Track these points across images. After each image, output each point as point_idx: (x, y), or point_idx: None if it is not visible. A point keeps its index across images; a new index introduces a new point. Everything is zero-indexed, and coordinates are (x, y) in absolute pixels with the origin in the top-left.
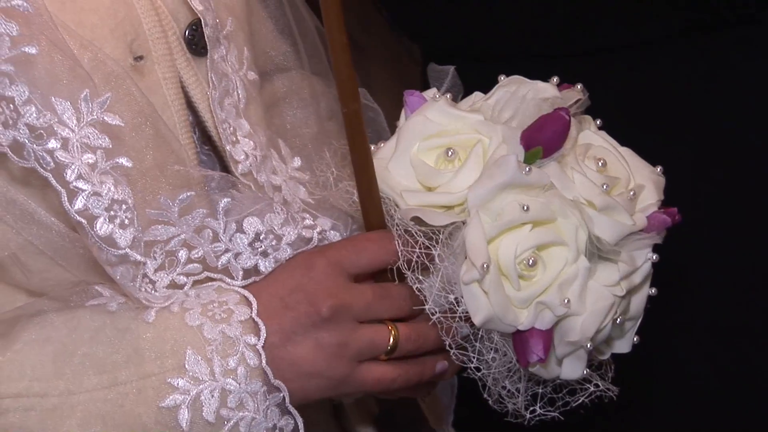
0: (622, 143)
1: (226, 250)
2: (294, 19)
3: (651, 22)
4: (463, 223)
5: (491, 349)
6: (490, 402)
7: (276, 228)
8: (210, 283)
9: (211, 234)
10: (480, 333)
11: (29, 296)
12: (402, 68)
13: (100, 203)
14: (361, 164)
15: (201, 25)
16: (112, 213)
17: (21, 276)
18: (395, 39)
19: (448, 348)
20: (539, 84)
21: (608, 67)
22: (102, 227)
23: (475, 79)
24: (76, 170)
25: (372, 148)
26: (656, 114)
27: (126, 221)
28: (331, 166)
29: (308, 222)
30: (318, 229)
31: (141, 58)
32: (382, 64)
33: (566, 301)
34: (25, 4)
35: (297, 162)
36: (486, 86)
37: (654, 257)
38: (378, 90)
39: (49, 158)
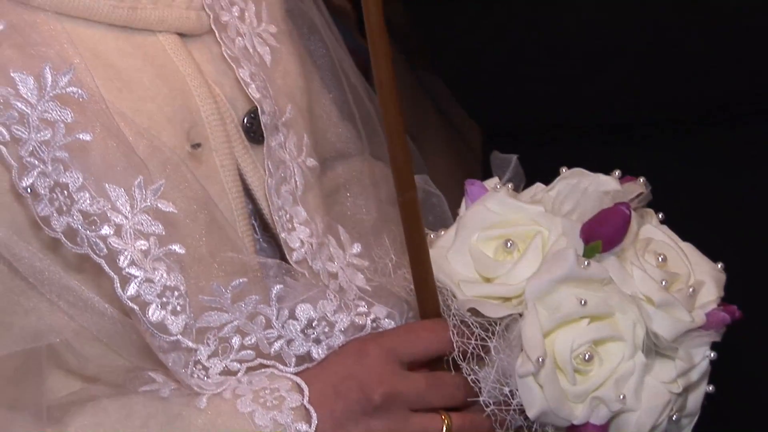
0: (684, 238)
1: (279, 337)
2: (355, 105)
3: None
4: (520, 315)
5: None
6: None
7: (329, 315)
8: (263, 370)
9: (264, 321)
10: (534, 426)
11: (83, 381)
12: (461, 155)
13: (153, 290)
14: (417, 253)
15: (259, 112)
16: (164, 299)
17: (74, 361)
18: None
19: None
20: (601, 177)
21: (672, 159)
22: (154, 314)
23: (535, 161)
24: (128, 257)
25: (432, 235)
26: (720, 209)
27: (178, 308)
28: (390, 252)
29: (362, 309)
30: (372, 317)
31: (198, 145)
32: (441, 152)
33: (622, 396)
34: (80, 91)
35: (356, 248)
36: (544, 169)
37: (712, 355)
38: (440, 177)
39: (102, 244)
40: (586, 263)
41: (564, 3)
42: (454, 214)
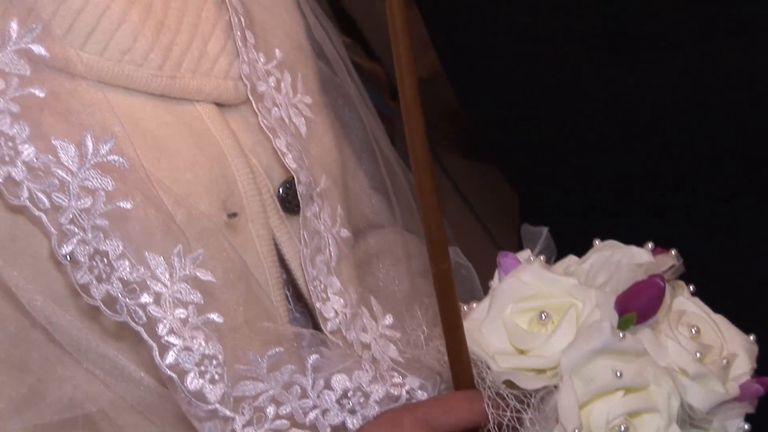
0: (716, 310)
1: (314, 407)
2: (388, 176)
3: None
4: (555, 387)
5: None
6: None
7: (364, 385)
8: None
9: (299, 390)
10: None
11: None
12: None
13: (191, 358)
14: (451, 325)
15: (295, 183)
16: (202, 368)
17: (110, 431)
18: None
19: None
20: (634, 249)
21: (703, 231)
22: (192, 382)
23: (569, 235)
24: (167, 325)
25: (464, 308)
26: (750, 281)
27: (216, 376)
28: (422, 324)
29: (397, 380)
30: (407, 387)
31: (235, 215)
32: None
33: None
34: (120, 159)
35: (388, 320)
36: (579, 244)
37: (746, 426)
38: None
39: (141, 312)
40: (621, 335)
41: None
42: (484, 287)
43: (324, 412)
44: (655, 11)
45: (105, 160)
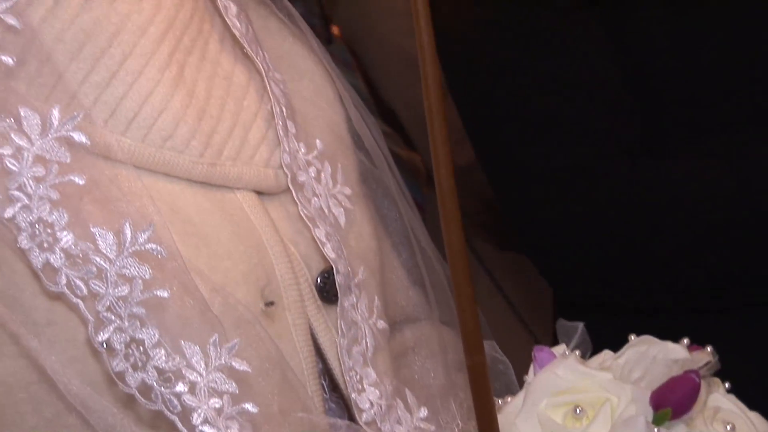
0: (752, 407)
1: None
2: (426, 269)
3: None
4: None
5: None
6: None
7: None
8: None
9: None
10: None
11: None
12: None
13: None
14: (485, 418)
15: (333, 272)
16: None
17: None
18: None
19: None
20: (669, 345)
21: (742, 327)
22: None
23: (604, 330)
24: (202, 414)
25: (499, 402)
26: None
27: None
28: (456, 418)
29: None
30: None
31: (272, 303)
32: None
33: None
34: (158, 248)
35: (423, 412)
36: (614, 338)
37: None
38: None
39: (176, 401)
40: (656, 430)
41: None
42: (519, 380)
43: None
44: (692, 109)
45: (143, 248)
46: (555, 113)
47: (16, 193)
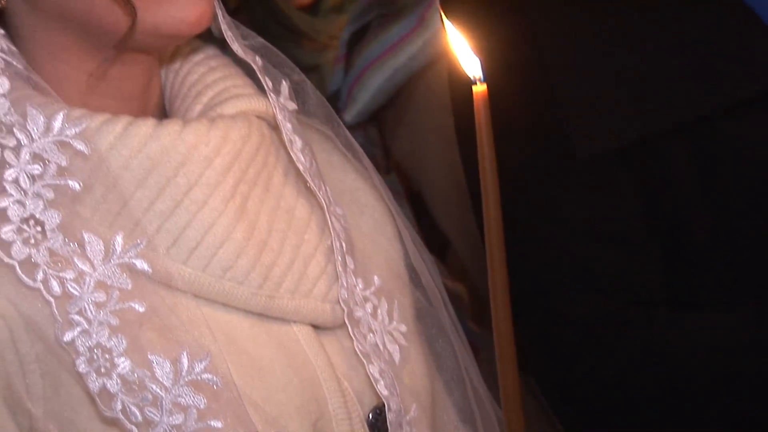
0: None
1: None
2: (478, 410)
3: None
4: None
5: None
6: None
7: None
8: None
9: None
10: None
11: None
12: None
13: None
14: None
15: (385, 409)
16: None
17: None
18: None
19: None
20: None
21: None
22: None
23: None
24: None
25: None
26: None
27: None
28: None
29: None
30: None
31: None
32: None
33: None
34: (214, 378)
35: None
36: None
37: None
38: None
39: None
40: None
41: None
42: None
43: None
44: (718, 263)
45: (199, 378)
46: (576, 260)
47: (76, 317)
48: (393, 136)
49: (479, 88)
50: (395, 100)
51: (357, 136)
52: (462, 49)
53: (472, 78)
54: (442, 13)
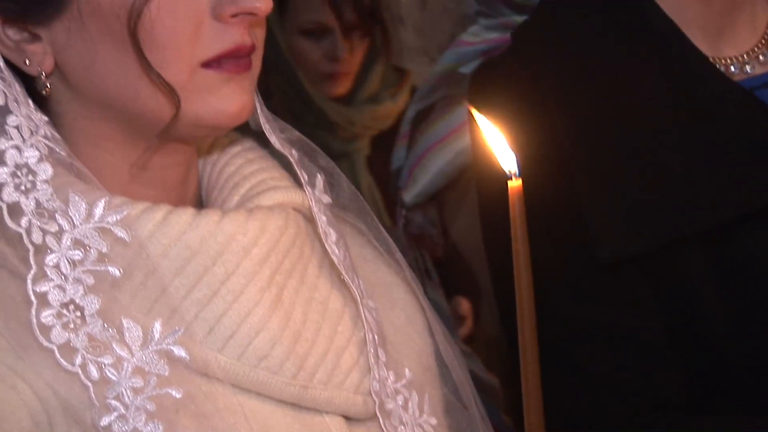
0: None
1: None
2: None
3: None
4: None
5: None
6: None
7: None
8: None
9: None
10: None
11: None
12: None
13: None
14: None
15: None
16: None
17: None
18: None
19: None
20: None
21: None
22: None
23: None
24: None
25: None
26: None
27: None
28: None
29: None
30: None
31: None
32: None
33: None
34: None
35: None
36: None
37: None
38: None
39: None
40: None
41: None
42: None
43: None
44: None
45: None
46: (596, 363)
47: (114, 402)
48: (452, 218)
49: (514, 184)
50: (456, 182)
51: (416, 215)
52: (498, 144)
53: (507, 172)
54: (473, 109)
